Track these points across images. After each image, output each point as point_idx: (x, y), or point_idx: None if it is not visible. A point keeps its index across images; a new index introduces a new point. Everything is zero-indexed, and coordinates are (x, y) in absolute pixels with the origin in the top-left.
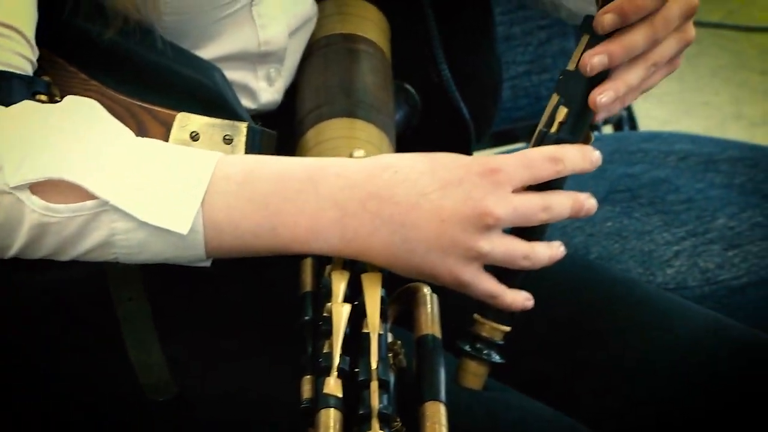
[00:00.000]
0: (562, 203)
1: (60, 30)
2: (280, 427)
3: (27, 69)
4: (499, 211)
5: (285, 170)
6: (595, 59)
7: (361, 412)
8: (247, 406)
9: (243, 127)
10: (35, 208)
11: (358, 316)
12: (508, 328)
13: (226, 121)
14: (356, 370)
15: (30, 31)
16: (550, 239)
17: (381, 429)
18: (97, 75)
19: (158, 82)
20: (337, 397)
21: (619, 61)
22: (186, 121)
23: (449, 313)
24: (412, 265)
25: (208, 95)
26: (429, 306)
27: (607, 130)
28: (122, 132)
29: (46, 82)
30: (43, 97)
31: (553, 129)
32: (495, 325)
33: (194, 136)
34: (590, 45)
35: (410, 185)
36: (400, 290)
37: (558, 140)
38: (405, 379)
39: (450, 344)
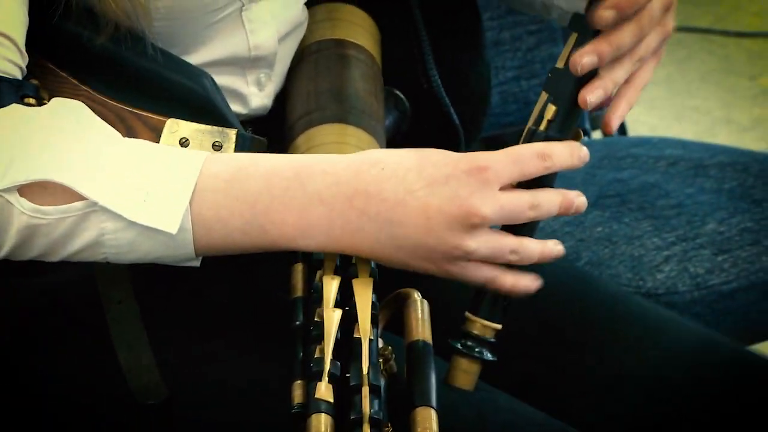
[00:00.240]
0: (551, 200)
1: (51, 35)
2: (271, 430)
3: (16, 75)
4: (486, 211)
5: (272, 168)
6: (585, 59)
7: (352, 417)
8: (238, 408)
9: (232, 133)
10: (24, 210)
11: (348, 322)
12: (499, 326)
13: (216, 128)
14: (347, 375)
15: (20, 38)
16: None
17: None
18: (87, 80)
19: (149, 88)
20: (328, 402)
21: (607, 60)
22: (176, 127)
23: (438, 316)
24: (399, 259)
25: (198, 101)
26: (419, 311)
27: (597, 135)
28: (109, 133)
29: (34, 86)
30: (32, 101)
31: (542, 127)
32: (486, 323)
33: (184, 143)
34: (579, 43)
35: (397, 181)
36: (391, 296)
37: (547, 138)
38: (395, 384)
39: (439, 347)
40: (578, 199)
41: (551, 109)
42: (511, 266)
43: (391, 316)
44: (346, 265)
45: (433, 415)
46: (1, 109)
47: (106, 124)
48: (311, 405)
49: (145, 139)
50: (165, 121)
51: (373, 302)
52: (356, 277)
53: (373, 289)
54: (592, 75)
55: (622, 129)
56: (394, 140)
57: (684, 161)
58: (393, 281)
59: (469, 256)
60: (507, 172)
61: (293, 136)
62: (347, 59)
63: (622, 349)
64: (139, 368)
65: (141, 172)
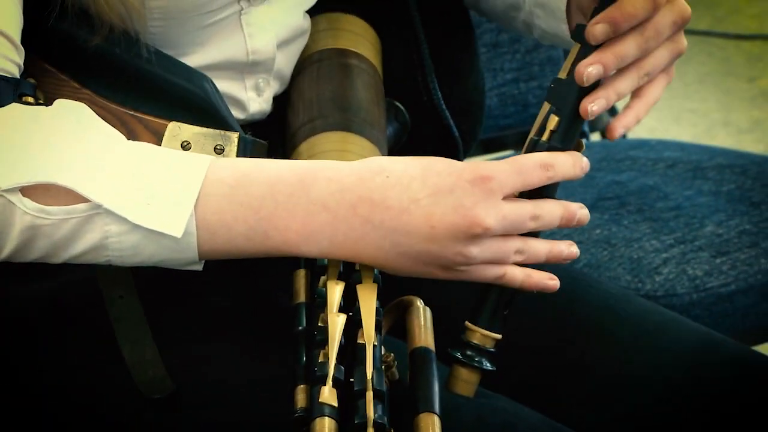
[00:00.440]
0: (553, 212)
1: (48, 36)
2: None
3: (14, 72)
4: (489, 221)
5: (277, 174)
6: (590, 69)
7: (356, 421)
8: (239, 409)
9: (234, 137)
10: (28, 210)
11: (351, 327)
12: (499, 336)
13: (218, 131)
14: (351, 380)
15: (16, 35)
16: None
17: None
18: (88, 83)
19: (149, 90)
20: (332, 406)
21: (611, 70)
22: (177, 131)
23: (440, 322)
24: (402, 266)
25: (199, 104)
26: (422, 319)
27: (596, 137)
28: (113, 135)
29: (32, 84)
30: (30, 99)
31: (544, 137)
32: (486, 332)
33: (185, 146)
34: (581, 54)
35: (402, 190)
36: (393, 303)
37: (549, 148)
38: (397, 391)
39: (440, 352)
40: (580, 212)
41: (554, 120)
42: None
43: (393, 323)
44: (350, 271)
45: (437, 421)
46: (1, 108)
47: (110, 127)
48: (315, 409)
49: (146, 142)
50: (166, 125)
51: (377, 308)
52: (360, 282)
53: (377, 295)
54: (595, 86)
55: None
56: (394, 152)
57: (682, 163)
58: (395, 287)
59: (472, 261)
60: (510, 182)
61: (295, 144)
62: (349, 68)
63: (622, 349)
64: (144, 363)
65: (146, 175)
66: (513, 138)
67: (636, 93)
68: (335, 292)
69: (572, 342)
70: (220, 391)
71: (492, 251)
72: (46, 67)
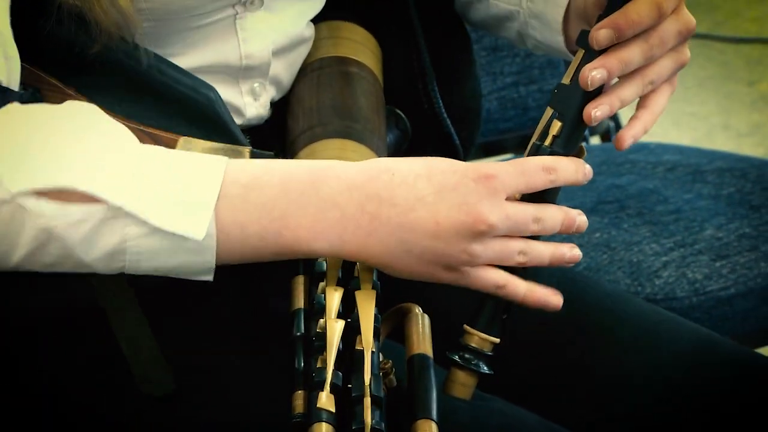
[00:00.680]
0: (554, 216)
1: (48, 44)
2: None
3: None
4: (493, 218)
5: (288, 173)
6: (594, 73)
7: (354, 427)
8: (239, 410)
9: (246, 151)
10: (44, 210)
11: (349, 333)
12: (497, 340)
13: (229, 146)
14: (348, 386)
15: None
16: None
17: None
18: (95, 98)
19: (154, 100)
20: (330, 412)
21: (615, 75)
22: (189, 146)
23: (438, 327)
24: (406, 264)
25: (204, 113)
26: (420, 326)
27: (595, 141)
28: (127, 137)
29: (31, 93)
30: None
31: (547, 142)
32: (484, 336)
33: None
34: (585, 59)
35: (408, 188)
36: (392, 310)
37: (551, 153)
38: (395, 398)
39: (437, 356)
40: (579, 218)
41: (556, 125)
42: (526, 277)
43: (392, 329)
44: (349, 277)
45: (434, 428)
46: (7, 106)
47: (124, 127)
48: (313, 414)
49: None
50: (177, 139)
51: (375, 315)
52: (359, 289)
53: (376, 301)
54: (598, 92)
55: None
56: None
57: (682, 167)
58: (395, 293)
59: (476, 259)
60: (513, 182)
61: (295, 151)
62: (350, 76)
63: (622, 350)
64: (142, 359)
65: (163, 177)
66: (513, 141)
67: (642, 103)
68: (334, 298)
69: (572, 342)
70: (220, 395)
71: (495, 251)
72: (53, 83)
